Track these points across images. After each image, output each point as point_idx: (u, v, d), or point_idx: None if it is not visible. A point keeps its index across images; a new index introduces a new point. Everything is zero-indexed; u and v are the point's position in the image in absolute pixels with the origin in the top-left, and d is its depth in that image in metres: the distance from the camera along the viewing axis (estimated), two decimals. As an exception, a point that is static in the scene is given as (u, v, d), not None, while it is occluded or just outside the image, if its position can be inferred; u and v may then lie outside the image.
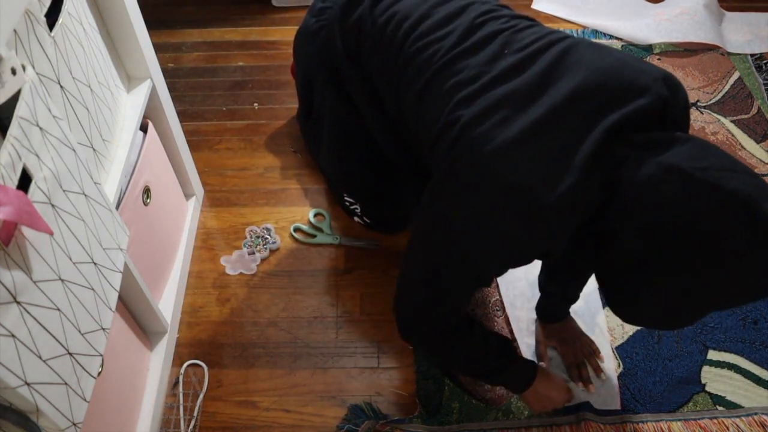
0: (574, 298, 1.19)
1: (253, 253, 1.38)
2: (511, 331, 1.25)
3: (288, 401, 1.18)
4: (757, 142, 1.62)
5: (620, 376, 1.19)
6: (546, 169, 0.72)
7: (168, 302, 1.26)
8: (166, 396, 1.18)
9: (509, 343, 1.03)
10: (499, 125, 0.75)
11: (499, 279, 1.33)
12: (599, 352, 1.21)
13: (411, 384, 1.19)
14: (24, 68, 0.66)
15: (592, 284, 1.32)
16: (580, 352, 1.20)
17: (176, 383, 1.19)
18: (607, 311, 1.29)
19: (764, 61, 1.83)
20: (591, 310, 1.29)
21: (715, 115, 1.68)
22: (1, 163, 0.59)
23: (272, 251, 1.39)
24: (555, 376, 1.12)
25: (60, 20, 0.82)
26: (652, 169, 0.69)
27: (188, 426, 1.14)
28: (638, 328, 1.25)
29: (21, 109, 0.64)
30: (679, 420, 1.14)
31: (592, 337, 1.23)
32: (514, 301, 1.29)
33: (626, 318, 0.82)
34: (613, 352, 1.23)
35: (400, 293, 0.95)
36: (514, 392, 1.07)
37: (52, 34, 0.80)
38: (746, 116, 1.68)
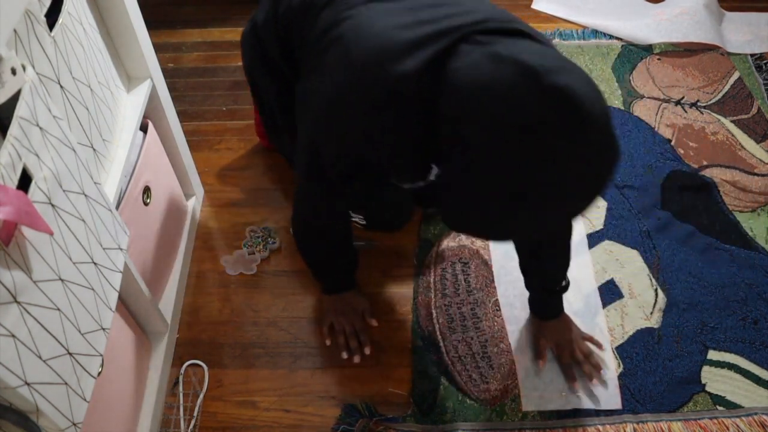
0: (553, 283, 1.17)
1: (253, 253, 1.38)
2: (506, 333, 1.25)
3: (288, 401, 1.18)
4: (757, 142, 1.62)
5: (620, 376, 1.19)
6: (398, 54, 0.78)
7: (168, 302, 1.26)
8: (166, 396, 1.18)
9: (353, 266, 1.22)
10: (371, 16, 0.84)
11: (498, 279, 1.33)
12: (602, 345, 1.21)
13: (410, 383, 1.19)
14: (24, 68, 0.66)
15: (591, 284, 1.32)
16: (579, 351, 1.20)
17: (176, 383, 1.19)
18: (607, 311, 1.28)
19: (764, 61, 1.83)
20: (591, 310, 1.28)
21: (715, 115, 1.68)
22: (1, 163, 0.59)
23: (272, 251, 1.39)
24: (358, 310, 1.24)
25: (60, 20, 0.82)
26: (476, 56, 0.72)
27: (188, 426, 1.14)
28: (638, 328, 1.25)
29: (21, 109, 0.64)
30: (679, 420, 1.14)
31: (592, 337, 1.23)
32: (514, 302, 1.29)
33: (456, 225, 0.84)
34: (613, 352, 1.23)
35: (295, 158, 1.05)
36: (322, 291, 1.25)
37: (52, 34, 0.80)
38: (746, 116, 1.68)
